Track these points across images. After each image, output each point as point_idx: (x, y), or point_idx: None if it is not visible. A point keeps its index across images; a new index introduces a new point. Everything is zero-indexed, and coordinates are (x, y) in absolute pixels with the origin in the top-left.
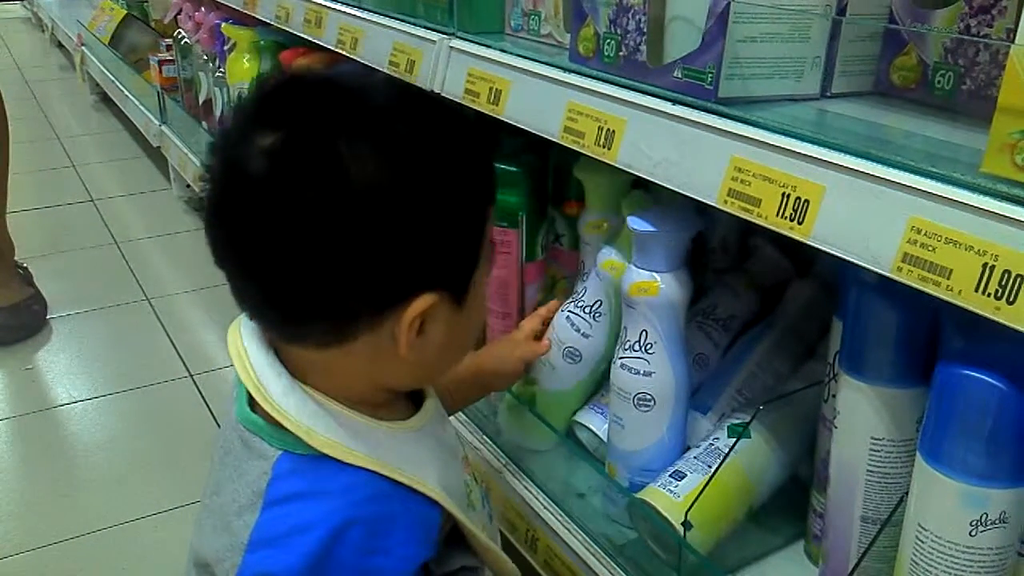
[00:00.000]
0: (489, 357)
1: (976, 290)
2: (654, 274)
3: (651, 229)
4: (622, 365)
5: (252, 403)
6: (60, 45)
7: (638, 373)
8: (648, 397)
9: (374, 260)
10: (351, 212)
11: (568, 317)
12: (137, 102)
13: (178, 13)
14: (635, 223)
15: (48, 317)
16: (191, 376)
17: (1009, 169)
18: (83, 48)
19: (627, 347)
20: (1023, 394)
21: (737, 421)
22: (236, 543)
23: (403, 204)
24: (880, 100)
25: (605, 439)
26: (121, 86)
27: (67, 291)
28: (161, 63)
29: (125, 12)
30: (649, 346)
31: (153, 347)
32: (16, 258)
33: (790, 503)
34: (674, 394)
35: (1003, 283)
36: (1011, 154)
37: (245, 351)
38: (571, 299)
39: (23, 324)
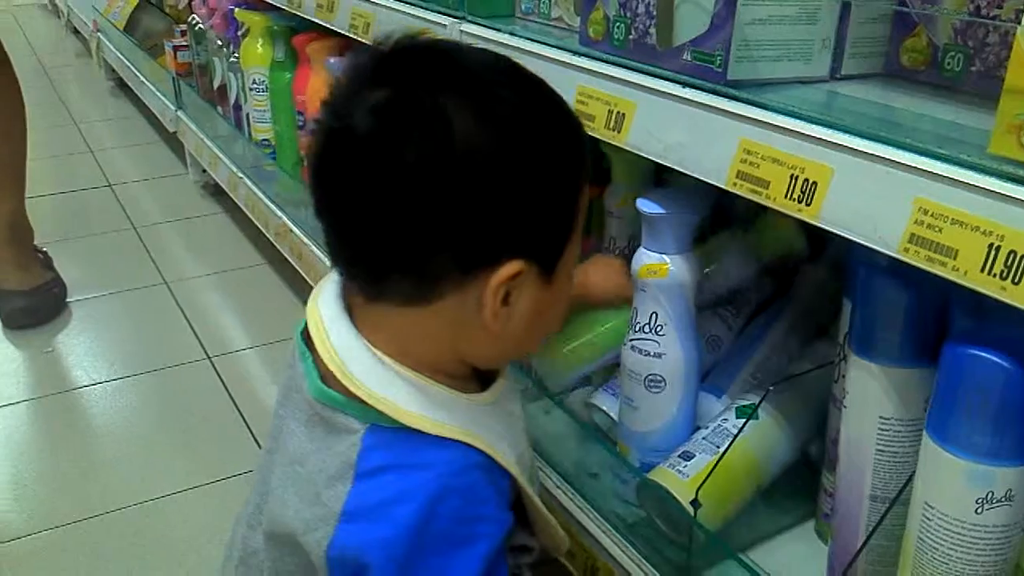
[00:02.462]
0: (593, 272)
1: (982, 270)
2: (663, 256)
3: (660, 211)
4: (632, 347)
5: (323, 376)
6: (76, 31)
7: (648, 355)
8: (659, 378)
9: (466, 217)
10: (448, 168)
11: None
12: (153, 88)
13: None
14: (644, 205)
15: (67, 300)
16: (209, 358)
17: (1016, 150)
18: (99, 34)
19: (637, 329)
20: None
21: (746, 402)
22: (328, 513)
23: (499, 165)
24: (890, 82)
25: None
26: (137, 72)
27: (86, 275)
28: (176, 48)
29: None
30: (660, 328)
31: (171, 330)
32: (35, 242)
33: (801, 483)
34: (684, 375)
35: (1008, 263)
36: (1018, 135)
37: (325, 329)
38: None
39: (43, 307)
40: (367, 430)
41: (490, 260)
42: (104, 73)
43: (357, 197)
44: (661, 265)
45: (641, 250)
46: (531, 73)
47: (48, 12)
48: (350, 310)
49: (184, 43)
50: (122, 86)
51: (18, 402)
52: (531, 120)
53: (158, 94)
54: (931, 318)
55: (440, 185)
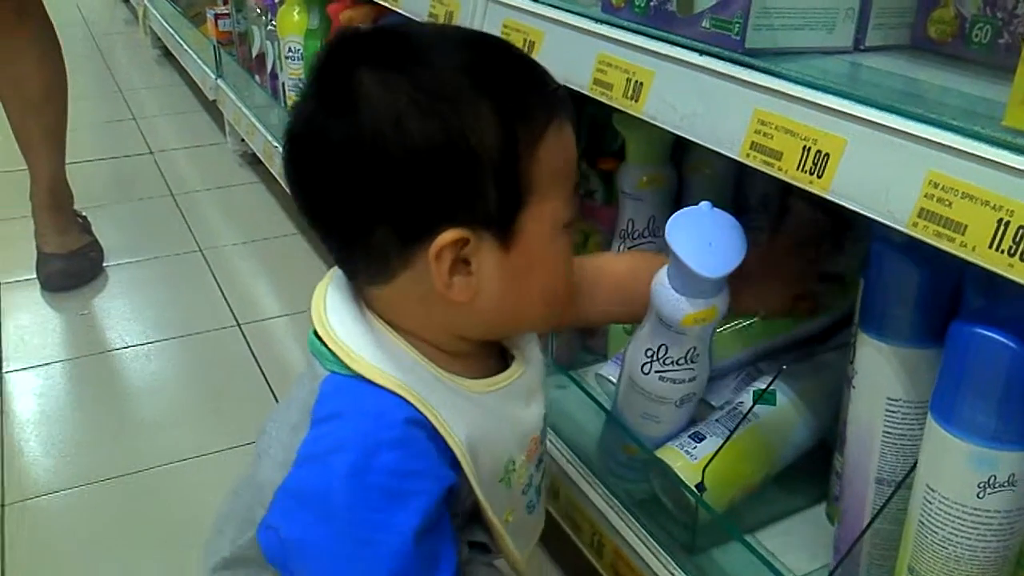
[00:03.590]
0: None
1: (990, 246)
2: (710, 300)
3: (724, 273)
4: (661, 377)
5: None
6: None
7: (683, 382)
8: (692, 395)
9: (392, 189)
10: (367, 142)
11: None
12: (195, 56)
13: None
14: (702, 268)
15: (105, 265)
16: (239, 325)
17: None
18: (146, 2)
19: (668, 363)
20: None
21: (763, 386)
22: (287, 459)
23: (414, 137)
24: (916, 54)
25: None
26: (180, 40)
27: (124, 240)
28: (217, 17)
29: None
30: (696, 356)
31: (204, 296)
32: (76, 207)
33: (816, 465)
34: (707, 378)
35: (1017, 239)
36: None
37: (326, 284)
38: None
39: (80, 271)
40: (326, 377)
41: (424, 229)
42: (150, 41)
43: (306, 181)
44: (710, 311)
45: (685, 300)
46: (478, 42)
47: None
48: None
49: (226, 11)
50: (167, 55)
51: (53, 362)
52: (451, 93)
53: (200, 62)
54: (943, 297)
55: (362, 159)
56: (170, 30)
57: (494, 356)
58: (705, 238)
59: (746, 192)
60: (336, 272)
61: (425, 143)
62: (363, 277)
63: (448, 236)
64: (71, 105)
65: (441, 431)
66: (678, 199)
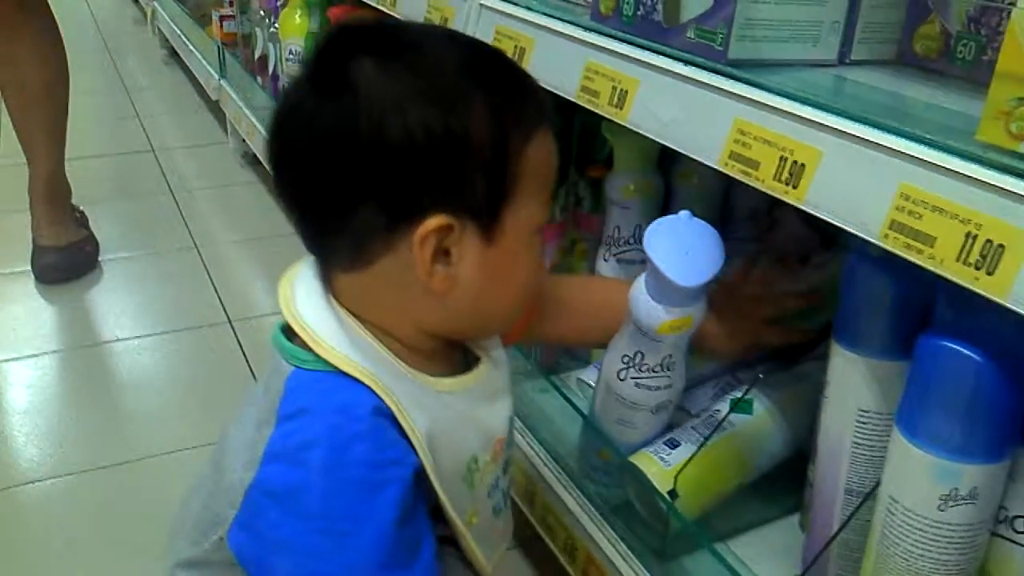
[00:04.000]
0: (717, 327)
1: (957, 259)
2: (687, 309)
3: (701, 283)
4: (637, 384)
5: (285, 328)
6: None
7: (659, 388)
8: (668, 402)
9: (380, 172)
10: (358, 127)
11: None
12: (200, 56)
13: None
14: (678, 277)
15: (100, 259)
16: (230, 322)
17: (1003, 137)
18: (155, 2)
19: (644, 370)
20: (1001, 368)
21: (741, 395)
22: (253, 458)
23: (408, 121)
24: (901, 70)
25: None
26: (186, 40)
27: (120, 235)
28: (222, 18)
29: None
30: (672, 364)
31: (197, 293)
32: (74, 201)
33: (793, 475)
34: (683, 385)
35: (984, 253)
36: (1006, 122)
37: (296, 272)
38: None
39: (75, 264)
40: (291, 374)
41: (412, 214)
42: (158, 41)
43: (290, 165)
44: (686, 319)
45: (662, 308)
46: (472, 42)
47: None
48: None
49: (231, 13)
50: (174, 55)
51: (43, 354)
52: (450, 84)
53: (204, 63)
54: (915, 310)
55: (356, 142)
56: (177, 30)
57: (459, 357)
58: (683, 247)
59: (734, 203)
60: (303, 265)
61: (423, 129)
62: (340, 263)
63: (434, 222)
64: (77, 101)
65: (402, 422)
66: (665, 208)
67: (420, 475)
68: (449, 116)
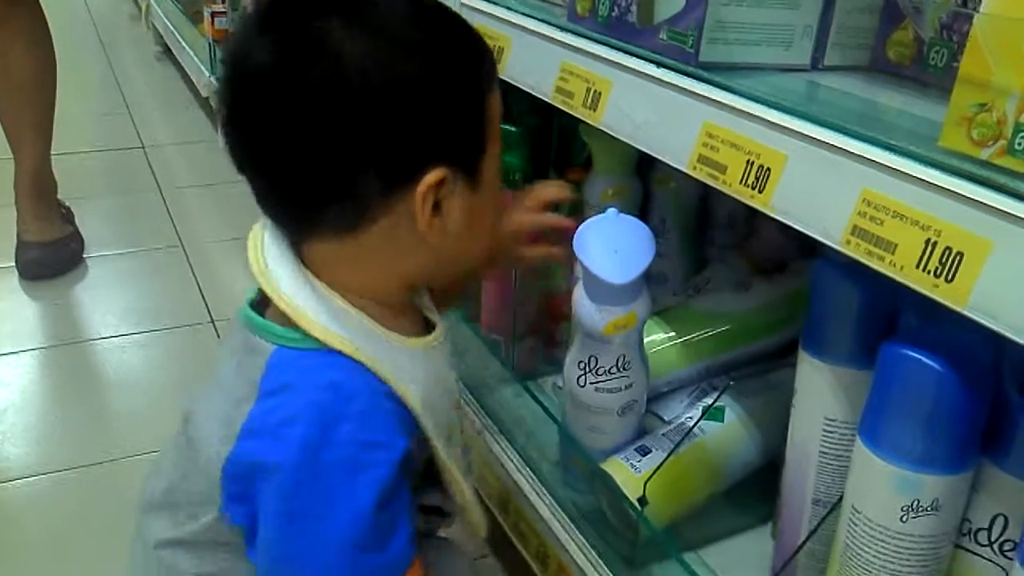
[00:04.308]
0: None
1: (917, 266)
2: (628, 307)
3: (631, 279)
4: (598, 389)
5: (255, 304)
6: None
7: (620, 390)
8: (632, 403)
9: (380, 131)
10: (351, 90)
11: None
12: (192, 53)
13: None
14: (609, 276)
15: (85, 256)
16: (212, 322)
17: (964, 143)
18: None
19: (601, 373)
20: (962, 377)
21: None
22: (230, 433)
23: (400, 78)
24: (874, 75)
25: None
26: (179, 37)
27: (107, 232)
28: (214, 15)
29: None
30: (627, 364)
31: (181, 292)
32: (61, 197)
33: (766, 484)
34: (646, 385)
35: (943, 260)
36: (968, 128)
37: (262, 238)
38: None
39: (59, 260)
40: (273, 351)
41: (412, 171)
42: (152, 37)
43: (274, 136)
44: (629, 316)
45: (602, 308)
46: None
47: None
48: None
49: (223, 9)
50: (168, 51)
51: (24, 351)
52: (427, 32)
53: (196, 60)
54: (881, 318)
55: (344, 106)
56: (170, 27)
57: (419, 318)
58: (611, 245)
59: (714, 207)
60: (264, 233)
61: (418, 84)
62: (328, 230)
63: (434, 176)
64: (69, 96)
65: (397, 390)
66: (644, 212)
67: (406, 456)
68: (440, 69)
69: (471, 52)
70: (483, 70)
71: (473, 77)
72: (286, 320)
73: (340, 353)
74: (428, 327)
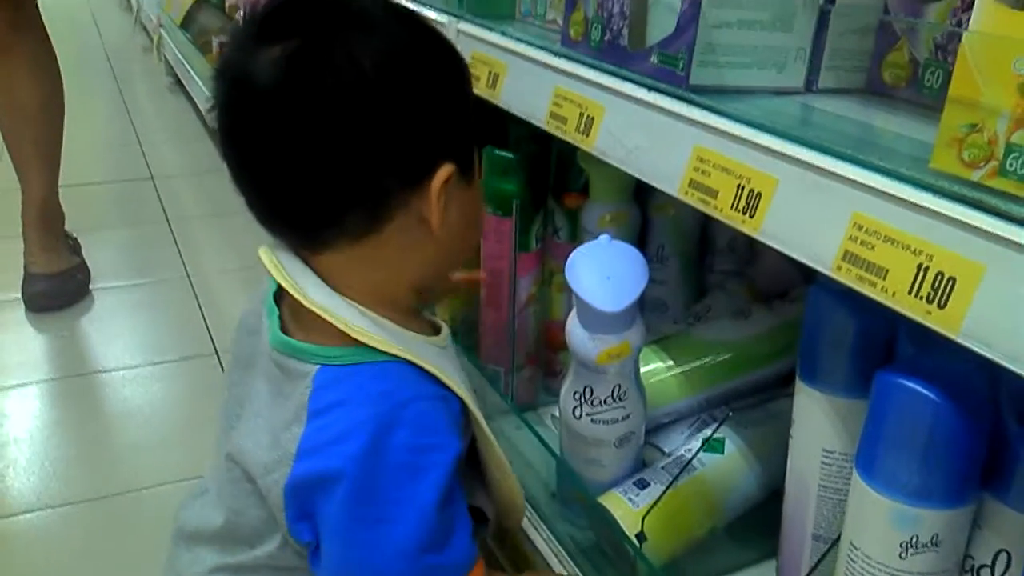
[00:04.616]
0: None
1: (910, 292)
2: (621, 335)
3: (624, 307)
4: (593, 420)
5: (282, 327)
6: (145, 28)
7: (616, 421)
8: (630, 434)
9: (396, 134)
10: (366, 96)
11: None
12: (200, 83)
13: None
14: (601, 304)
15: (92, 287)
16: (217, 354)
17: (956, 165)
18: (161, 29)
19: (597, 404)
20: (961, 408)
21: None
22: (285, 455)
23: (410, 79)
24: (869, 97)
25: None
26: (189, 67)
27: (114, 263)
28: (221, 45)
29: None
30: (623, 394)
31: (186, 323)
32: (69, 228)
33: (770, 518)
34: (644, 415)
35: (936, 285)
36: (959, 149)
37: (279, 262)
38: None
39: (65, 292)
40: (317, 372)
41: (428, 167)
42: (164, 68)
43: (287, 150)
44: (623, 345)
45: (595, 337)
46: (404, 7)
47: (124, 8)
48: None
49: None
50: (179, 82)
51: (30, 383)
52: (419, 35)
53: (205, 90)
54: (878, 346)
55: (360, 111)
56: (180, 57)
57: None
58: (604, 272)
59: (713, 233)
60: (279, 253)
61: (420, 81)
62: (344, 238)
63: (444, 171)
64: (81, 126)
65: (444, 382)
66: (642, 239)
67: (460, 456)
68: (438, 69)
69: (455, 54)
70: (467, 71)
71: (463, 75)
72: (321, 338)
73: (384, 360)
74: (435, 331)
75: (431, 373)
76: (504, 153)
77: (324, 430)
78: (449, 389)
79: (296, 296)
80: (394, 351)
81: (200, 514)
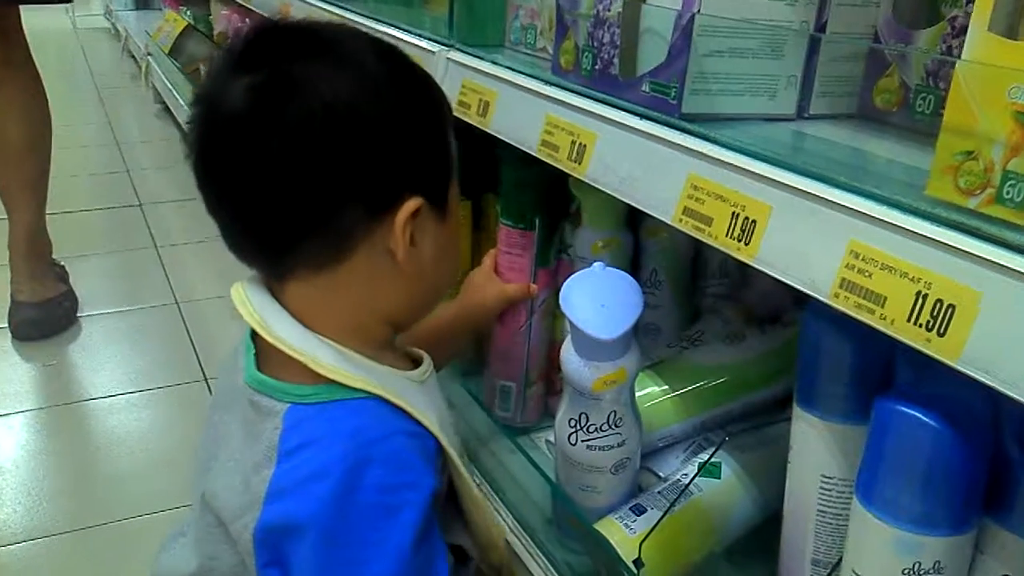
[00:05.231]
0: (467, 290)
1: (908, 320)
2: (617, 362)
3: (619, 334)
4: (589, 447)
5: (258, 365)
6: (133, 55)
7: (612, 447)
8: (626, 460)
9: (362, 163)
10: (327, 126)
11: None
12: (189, 111)
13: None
14: (596, 331)
15: (79, 315)
16: (206, 380)
17: (952, 193)
18: (149, 58)
19: (592, 430)
20: (961, 433)
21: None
22: (254, 499)
23: (379, 111)
24: (861, 123)
25: None
26: (177, 95)
27: (101, 291)
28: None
29: (185, 23)
30: (619, 420)
31: (174, 350)
32: (56, 256)
33: (770, 543)
34: (640, 441)
35: (935, 313)
36: (954, 177)
37: (248, 297)
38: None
39: (52, 320)
40: (287, 410)
41: (392, 200)
42: (152, 96)
43: (253, 176)
44: (619, 372)
45: (591, 364)
46: (383, 41)
47: (111, 36)
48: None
49: None
50: (168, 109)
51: (16, 413)
52: (393, 69)
53: None
54: (877, 372)
55: (326, 141)
56: (168, 85)
57: (401, 354)
58: (598, 299)
59: (706, 258)
60: (248, 288)
61: (389, 114)
62: (308, 266)
63: (412, 204)
64: (69, 154)
65: (417, 419)
66: (635, 264)
67: (435, 493)
68: (410, 102)
69: (433, 88)
70: (445, 106)
71: (438, 110)
72: (292, 375)
73: (355, 398)
74: (414, 364)
75: (404, 409)
76: (527, 168)
77: (294, 471)
78: (423, 426)
79: (261, 332)
80: (366, 387)
81: (177, 556)
